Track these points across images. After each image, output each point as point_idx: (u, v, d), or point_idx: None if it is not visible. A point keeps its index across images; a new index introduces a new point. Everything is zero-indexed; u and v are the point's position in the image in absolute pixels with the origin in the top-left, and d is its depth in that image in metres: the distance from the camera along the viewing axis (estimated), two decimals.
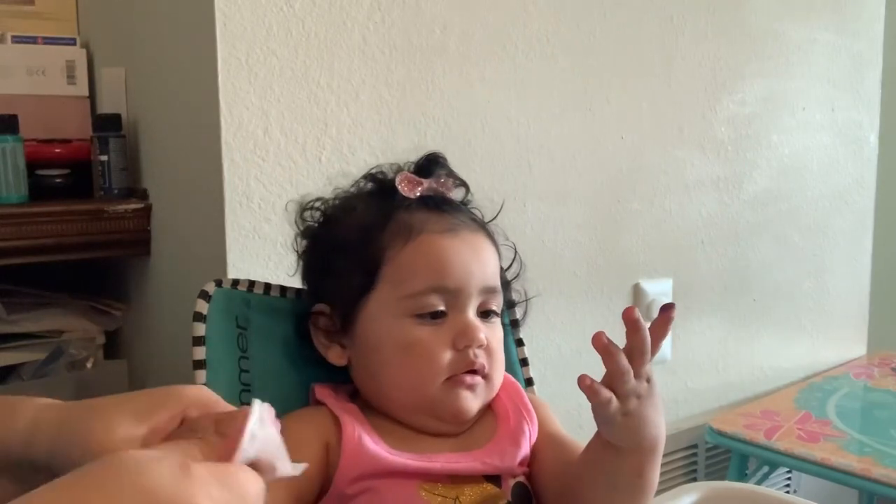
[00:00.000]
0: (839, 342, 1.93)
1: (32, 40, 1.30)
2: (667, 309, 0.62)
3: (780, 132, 1.72)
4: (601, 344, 0.60)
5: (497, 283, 0.74)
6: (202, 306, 0.73)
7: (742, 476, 1.51)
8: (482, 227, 0.77)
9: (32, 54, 1.29)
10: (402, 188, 0.73)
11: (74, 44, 1.33)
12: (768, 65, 1.67)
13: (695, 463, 1.62)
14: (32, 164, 1.21)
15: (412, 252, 0.71)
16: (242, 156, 1.03)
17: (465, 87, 1.23)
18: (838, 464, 1.33)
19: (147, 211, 1.21)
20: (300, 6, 1.06)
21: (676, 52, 1.51)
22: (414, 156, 0.77)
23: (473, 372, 0.71)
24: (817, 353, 1.87)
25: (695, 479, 1.61)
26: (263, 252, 1.04)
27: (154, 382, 1.27)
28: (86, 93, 1.33)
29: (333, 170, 1.08)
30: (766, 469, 1.54)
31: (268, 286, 0.79)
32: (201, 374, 0.71)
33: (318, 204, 0.78)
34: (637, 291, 1.50)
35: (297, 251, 0.79)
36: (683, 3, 1.50)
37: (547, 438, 0.76)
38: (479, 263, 0.72)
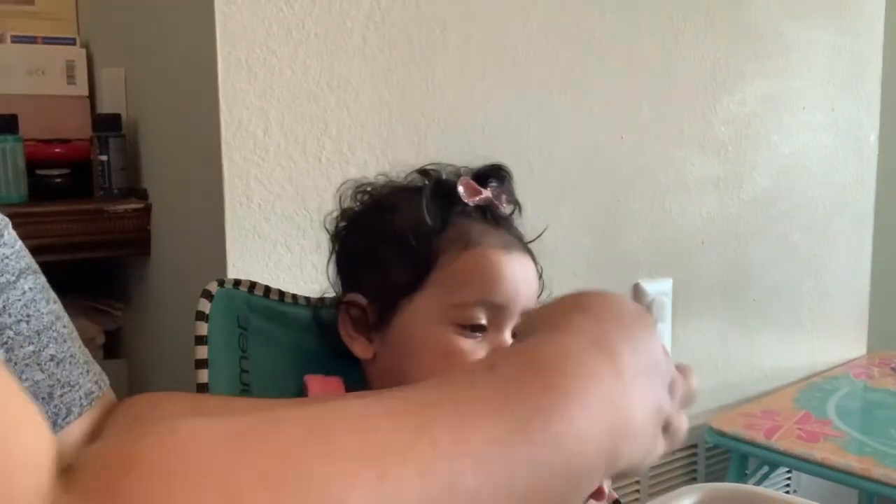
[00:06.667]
0: (839, 342, 1.93)
1: (32, 40, 1.30)
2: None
3: (780, 132, 1.72)
4: None
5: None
6: (205, 305, 0.73)
7: (742, 476, 1.51)
8: (528, 249, 0.76)
9: (32, 54, 1.29)
10: (463, 193, 0.73)
11: (74, 44, 1.33)
12: (768, 65, 1.67)
13: (695, 463, 1.62)
14: (32, 164, 1.21)
15: (467, 261, 0.70)
16: (242, 156, 1.03)
17: (465, 87, 1.23)
18: (838, 464, 1.33)
19: (147, 211, 1.21)
20: (300, 6, 1.06)
21: (676, 52, 1.51)
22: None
23: None
24: (817, 353, 1.87)
25: (695, 479, 1.61)
26: (263, 252, 1.04)
27: (154, 382, 1.28)
28: (86, 93, 1.33)
29: (333, 170, 1.08)
30: (765, 469, 1.54)
31: (268, 289, 0.79)
32: (203, 374, 0.71)
33: (368, 188, 0.77)
34: (637, 291, 1.50)
35: (333, 231, 0.77)
36: (683, 3, 1.50)
37: None
38: (526, 285, 0.72)
